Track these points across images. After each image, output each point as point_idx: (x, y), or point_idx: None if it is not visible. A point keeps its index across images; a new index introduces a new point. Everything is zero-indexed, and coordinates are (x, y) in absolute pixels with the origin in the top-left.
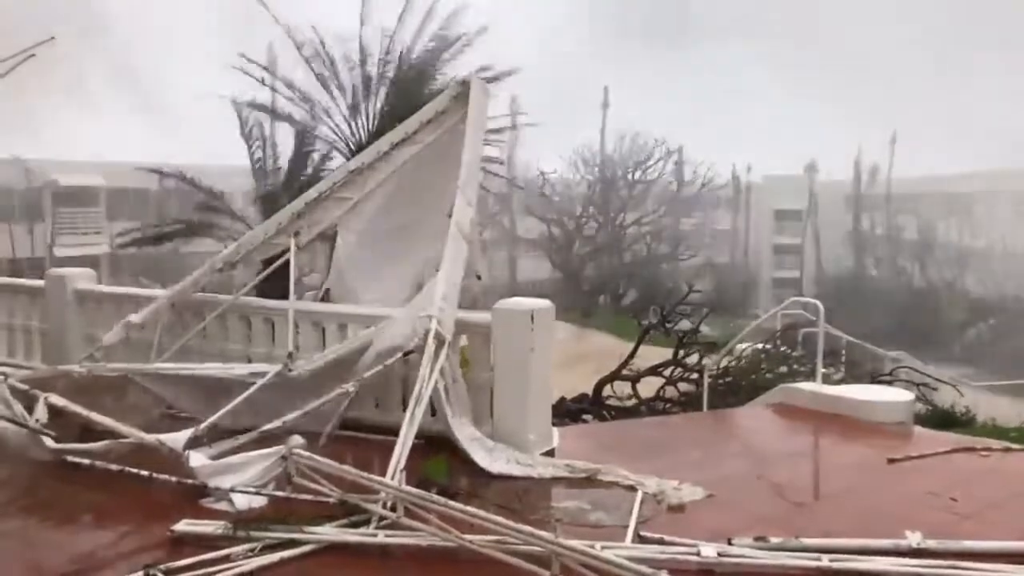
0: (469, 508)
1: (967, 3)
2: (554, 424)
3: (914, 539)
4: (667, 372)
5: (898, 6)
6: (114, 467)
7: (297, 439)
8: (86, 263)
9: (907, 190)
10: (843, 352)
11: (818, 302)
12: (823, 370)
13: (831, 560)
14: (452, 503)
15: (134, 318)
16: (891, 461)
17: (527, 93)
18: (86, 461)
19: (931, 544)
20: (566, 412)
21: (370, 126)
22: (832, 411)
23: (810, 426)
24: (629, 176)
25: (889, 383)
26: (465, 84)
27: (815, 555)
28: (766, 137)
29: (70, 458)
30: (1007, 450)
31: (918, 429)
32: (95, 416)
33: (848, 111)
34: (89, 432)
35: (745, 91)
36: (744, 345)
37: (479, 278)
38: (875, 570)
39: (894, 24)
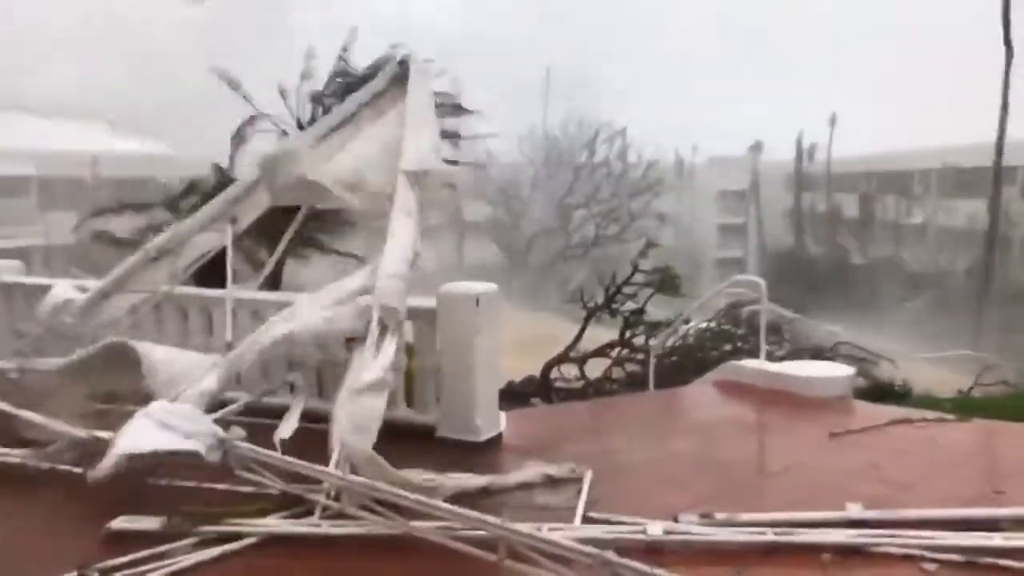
0: (415, 495)
1: None
2: (501, 408)
3: (855, 510)
4: (613, 353)
5: None
6: (44, 464)
7: (238, 430)
8: (17, 255)
9: (846, 169)
10: (785, 328)
11: (760, 280)
12: (766, 346)
13: (776, 534)
14: (398, 491)
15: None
16: (832, 435)
17: (469, 74)
18: (15, 459)
19: (871, 515)
20: (513, 395)
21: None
22: (775, 387)
23: (754, 402)
24: (575, 158)
25: (830, 358)
26: (403, 64)
27: (760, 530)
28: (709, 118)
29: None
30: (942, 421)
31: (858, 403)
32: (24, 413)
33: (789, 91)
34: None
35: (689, 72)
36: (689, 324)
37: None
38: (818, 542)
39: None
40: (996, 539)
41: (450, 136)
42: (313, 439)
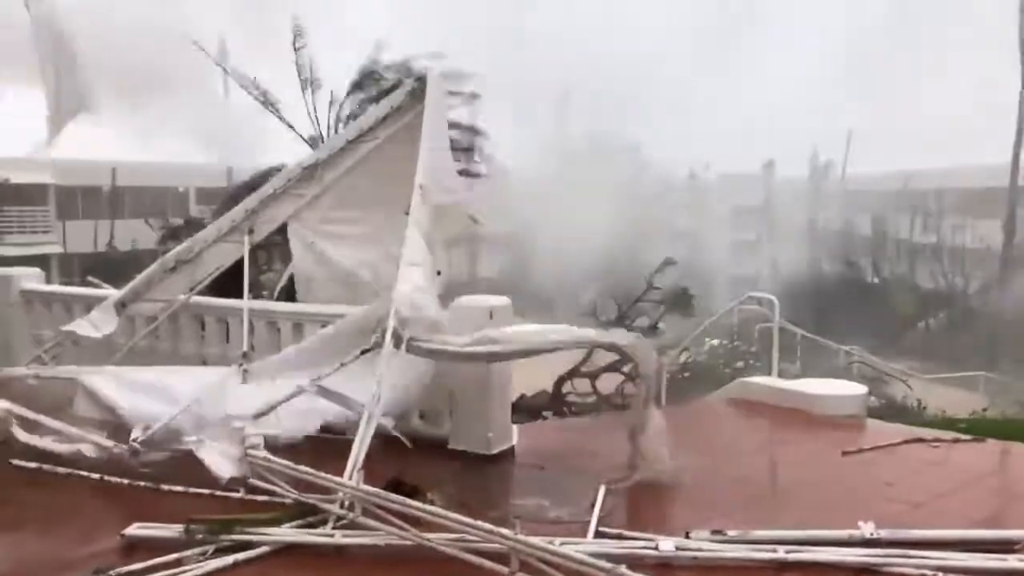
0: (428, 506)
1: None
2: (513, 422)
3: (867, 529)
4: (626, 368)
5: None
6: (61, 470)
7: (254, 438)
8: (35, 263)
9: (861, 187)
10: (798, 346)
11: (773, 297)
12: (779, 364)
13: (787, 552)
14: (410, 502)
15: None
16: (845, 453)
17: (487, 90)
18: (32, 464)
19: (883, 534)
20: (525, 409)
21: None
22: (788, 404)
23: (766, 420)
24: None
25: (843, 377)
26: (421, 80)
27: (771, 547)
28: (723, 134)
29: (15, 461)
30: (956, 441)
31: (871, 421)
32: (43, 419)
33: (805, 108)
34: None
35: (702, 87)
36: (704, 340)
37: (439, 273)
38: (829, 561)
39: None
40: (1010, 560)
41: (463, 150)
42: (327, 449)
